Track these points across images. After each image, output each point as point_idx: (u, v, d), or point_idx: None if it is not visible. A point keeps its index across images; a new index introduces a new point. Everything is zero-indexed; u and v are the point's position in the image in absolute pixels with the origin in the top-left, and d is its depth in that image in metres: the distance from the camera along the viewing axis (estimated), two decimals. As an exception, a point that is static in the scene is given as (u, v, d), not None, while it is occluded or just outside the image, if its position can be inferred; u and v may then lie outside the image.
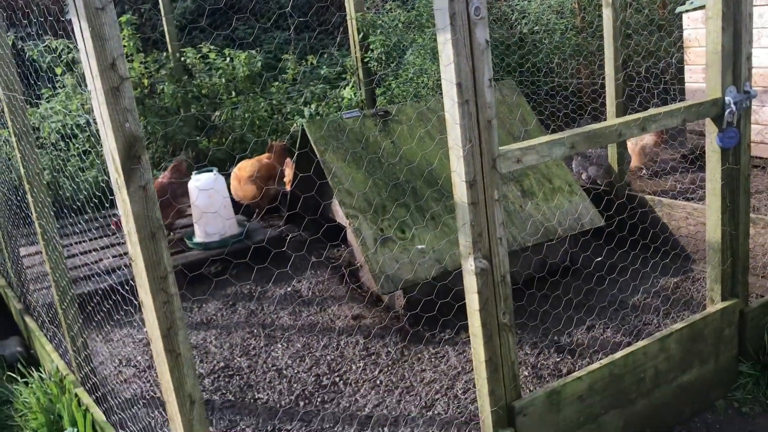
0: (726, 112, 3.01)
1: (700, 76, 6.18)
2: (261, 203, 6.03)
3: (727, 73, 3.00)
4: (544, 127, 5.54)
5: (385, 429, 3.28)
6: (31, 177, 3.25)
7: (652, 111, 2.93)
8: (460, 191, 2.44)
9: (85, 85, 1.86)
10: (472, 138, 2.38)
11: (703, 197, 3.91)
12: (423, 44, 7.18)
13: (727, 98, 3.01)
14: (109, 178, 1.93)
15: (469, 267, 2.49)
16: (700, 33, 6.06)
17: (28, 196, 3.34)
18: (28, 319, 4.55)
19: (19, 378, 4.05)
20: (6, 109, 3.20)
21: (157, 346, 1.99)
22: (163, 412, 3.51)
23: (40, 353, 4.30)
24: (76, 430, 3.32)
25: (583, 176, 5.82)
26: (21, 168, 3.28)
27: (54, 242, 3.33)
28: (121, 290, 2.75)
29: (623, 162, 5.06)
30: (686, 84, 6.50)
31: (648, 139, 5.78)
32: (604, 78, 4.79)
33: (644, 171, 5.90)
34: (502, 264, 2.54)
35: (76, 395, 3.42)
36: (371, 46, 7.35)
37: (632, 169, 5.85)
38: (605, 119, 4.96)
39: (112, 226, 5.40)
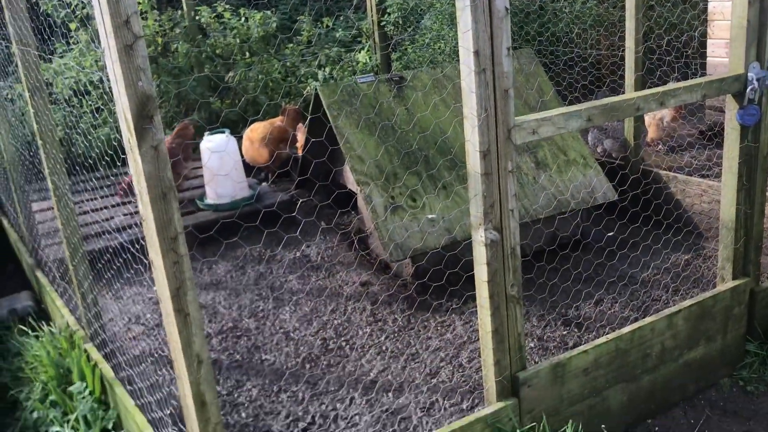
0: (748, 89, 2.96)
1: (723, 50, 6.06)
2: (272, 167, 6.02)
3: (752, 48, 2.94)
4: (561, 98, 5.47)
5: (390, 394, 3.30)
6: (44, 133, 3.24)
7: (671, 85, 2.88)
8: (474, 161, 2.42)
9: (99, 42, 1.84)
10: (487, 107, 2.35)
11: (719, 175, 3.87)
12: (441, 9, 7.08)
13: (749, 74, 2.95)
14: (121, 136, 1.92)
15: (480, 238, 2.48)
16: (725, 6, 5.93)
17: (41, 152, 3.34)
18: (39, 274, 4.59)
19: (29, 331, 4.11)
20: (20, 64, 3.18)
21: (167, 306, 2.00)
22: (170, 370, 3.56)
23: (50, 308, 4.35)
24: (85, 384, 3.37)
25: (599, 149, 5.76)
26: (34, 123, 3.27)
27: (66, 199, 3.34)
28: (132, 249, 2.76)
29: (639, 136, 5.00)
30: (708, 58, 6.39)
31: (665, 112, 5.70)
32: (624, 50, 4.71)
33: (660, 146, 5.84)
34: (512, 236, 2.52)
35: (86, 350, 3.47)
36: (388, 10, 7.26)
37: (649, 142, 5.78)
38: (623, 92, 4.89)
39: (120, 191, 5.39)
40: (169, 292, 1.94)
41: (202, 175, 5.77)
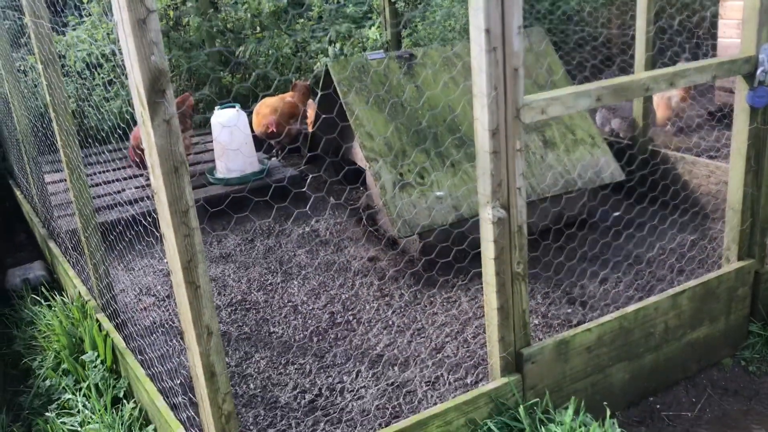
0: (758, 71, 2.95)
1: (734, 31, 6.01)
2: (283, 141, 6.05)
3: (763, 29, 2.93)
4: (571, 78, 5.45)
5: (396, 368, 3.36)
6: (57, 105, 3.28)
7: (681, 66, 2.88)
8: (482, 139, 2.44)
9: (112, 15, 1.86)
10: (497, 86, 2.36)
11: (727, 156, 3.87)
12: (452, -14, 7.03)
13: (761, 56, 2.94)
14: (133, 109, 1.95)
15: (487, 216, 2.51)
16: (738, -14, 5.87)
17: (54, 125, 3.37)
18: (51, 244, 4.66)
19: (42, 301, 4.18)
20: (33, 36, 3.20)
21: (177, 278, 2.04)
22: (180, 341, 3.62)
23: (62, 278, 4.42)
24: (96, 353, 3.44)
25: (606, 129, 5.75)
26: (47, 96, 3.30)
27: (78, 171, 3.38)
28: (143, 221, 2.80)
29: (648, 116, 4.99)
30: (719, 39, 6.34)
31: (674, 92, 5.67)
32: (635, 29, 4.69)
33: (669, 126, 5.82)
34: (519, 214, 2.55)
35: (97, 320, 3.53)
36: (400, -14, 7.22)
37: (659, 124, 5.76)
38: (633, 72, 4.87)
39: (131, 162, 5.43)
40: (180, 265, 1.98)
41: (211, 149, 5.80)
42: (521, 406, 2.67)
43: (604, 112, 5.79)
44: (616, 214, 4.61)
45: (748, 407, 3.09)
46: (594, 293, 3.85)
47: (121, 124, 4.66)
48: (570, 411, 2.64)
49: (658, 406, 3.12)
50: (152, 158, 1.91)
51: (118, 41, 1.90)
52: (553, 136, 4.49)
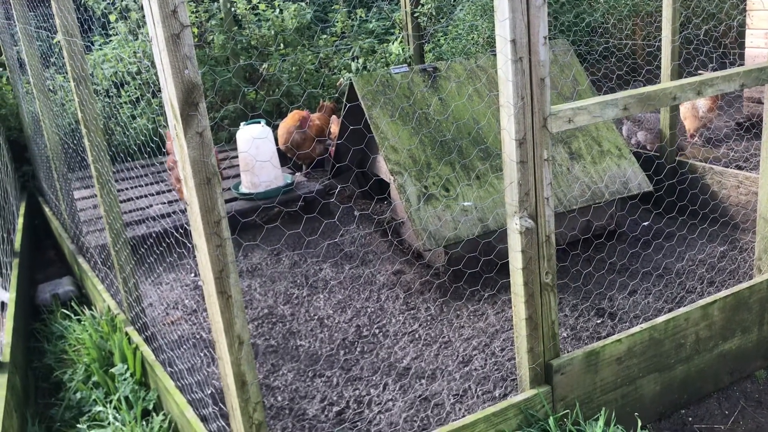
0: (787, 78, 2.93)
1: (762, 41, 5.97)
2: (312, 153, 6.08)
3: (792, 37, 2.91)
4: (597, 89, 5.44)
5: (423, 381, 3.35)
6: (89, 121, 3.34)
7: (708, 75, 2.87)
8: (509, 149, 2.44)
9: (136, 35, 1.90)
10: (523, 96, 2.37)
11: (756, 166, 3.83)
12: (474, 0, 7.07)
13: (789, 64, 2.92)
14: (160, 125, 1.98)
15: (515, 226, 2.50)
16: (764, -5, 5.83)
17: (85, 140, 3.43)
18: (80, 259, 4.72)
19: (72, 315, 4.23)
20: (66, 54, 3.27)
21: (209, 288, 2.06)
22: (209, 353, 3.65)
23: (91, 293, 4.47)
24: (126, 366, 3.47)
25: (632, 140, 5.72)
26: (79, 113, 3.37)
27: (109, 186, 3.43)
28: (168, 237, 2.83)
29: (675, 126, 4.96)
30: (746, 48, 6.29)
31: (701, 102, 5.63)
32: (660, 40, 4.67)
33: (696, 138, 5.78)
34: (547, 224, 2.54)
35: (127, 334, 3.57)
36: (422, 1, 7.26)
37: (688, 134, 5.71)
38: (659, 82, 4.85)
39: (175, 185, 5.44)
40: (213, 275, 2.00)
41: (236, 165, 5.86)
42: (551, 418, 2.65)
43: (629, 124, 5.77)
44: (645, 224, 4.58)
45: (783, 420, 3.04)
46: (623, 305, 3.82)
47: (151, 144, 4.73)
48: (601, 422, 2.62)
49: (690, 419, 3.08)
50: (185, 170, 1.94)
51: (152, 56, 1.93)
52: (579, 148, 4.48)
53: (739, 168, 4.99)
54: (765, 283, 3.18)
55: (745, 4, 6.24)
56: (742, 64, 6.22)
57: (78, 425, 3.30)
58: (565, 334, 3.59)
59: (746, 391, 3.22)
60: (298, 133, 5.85)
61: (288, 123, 5.99)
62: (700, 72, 5.17)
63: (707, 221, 4.48)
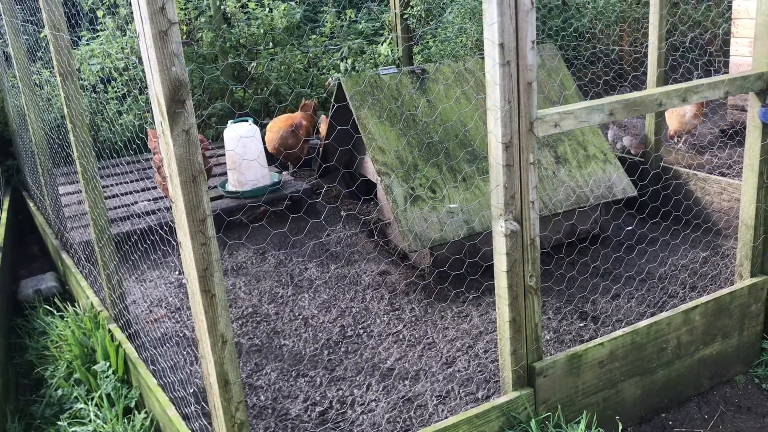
0: (770, 87, 2.96)
1: (747, 49, 6.02)
2: (299, 154, 6.07)
3: (775, 46, 2.94)
4: (583, 94, 5.47)
5: (406, 381, 3.35)
6: (75, 117, 3.32)
7: (694, 82, 2.90)
8: (496, 152, 2.45)
9: (123, 31, 1.90)
10: (511, 99, 2.38)
11: (739, 173, 3.87)
12: (463, 3, 7.09)
13: (773, 72, 2.95)
14: (146, 122, 1.97)
15: (500, 228, 2.52)
16: (750, 4, 5.90)
17: (71, 136, 3.41)
18: (64, 255, 4.69)
19: (54, 311, 4.21)
20: (52, 49, 3.25)
21: (193, 286, 2.05)
22: (192, 351, 3.64)
23: (75, 289, 4.44)
24: (108, 363, 3.46)
25: (618, 145, 5.76)
26: (65, 108, 3.34)
27: (94, 182, 3.41)
28: (153, 234, 2.82)
29: (660, 132, 5.00)
30: (731, 57, 6.36)
31: (688, 107, 5.68)
32: (647, 46, 4.71)
33: (681, 144, 5.82)
34: (532, 227, 2.56)
35: (110, 331, 3.55)
36: (411, 3, 7.28)
37: (671, 135, 5.76)
38: (645, 88, 4.89)
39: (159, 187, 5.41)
40: (197, 273, 2.00)
41: (223, 163, 5.84)
42: (533, 420, 2.67)
43: (615, 129, 5.81)
44: (629, 228, 4.61)
45: (761, 425, 3.07)
46: (606, 308, 3.85)
47: (137, 141, 4.71)
48: (582, 425, 2.64)
49: (670, 423, 3.10)
50: (171, 167, 1.93)
51: (140, 53, 1.92)
52: (565, 152, 4.50)
53: (723, 175, 5.04)
54: (746, 289, 3.22)
55: (731, 13, 6.30)
56: (727, 72, 6.28)
57: (59, 422, 3.28)
58: (548, 337, 3.61)
59: (726, 396, 3.25)
60: (291, 138, 5.84)
61: (279, 126, 5.98)
62: (689, 78, 5.21)
63: (690, 227, 4.53)
